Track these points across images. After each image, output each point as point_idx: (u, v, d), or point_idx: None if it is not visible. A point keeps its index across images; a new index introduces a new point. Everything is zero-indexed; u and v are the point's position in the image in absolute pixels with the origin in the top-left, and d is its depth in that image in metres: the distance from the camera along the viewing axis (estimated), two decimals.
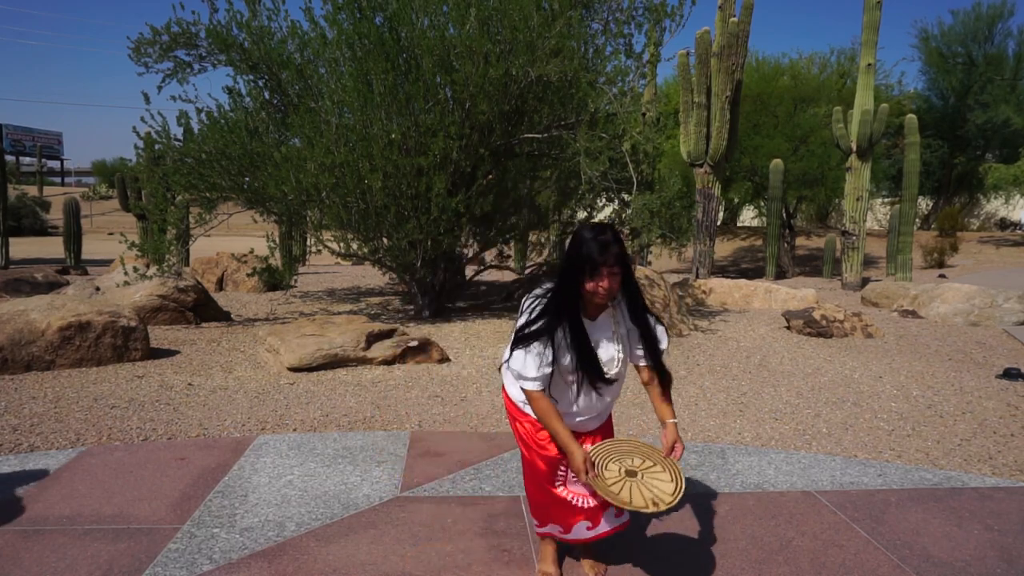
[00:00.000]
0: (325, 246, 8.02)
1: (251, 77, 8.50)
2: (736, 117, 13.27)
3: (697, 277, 12.91)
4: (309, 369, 5.60)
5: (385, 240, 7.85)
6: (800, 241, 21.83)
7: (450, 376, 5.54)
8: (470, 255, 9.16)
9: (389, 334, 6.04)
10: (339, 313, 8.42)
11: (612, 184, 8.00)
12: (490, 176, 7.98)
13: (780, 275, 17.29)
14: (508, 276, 12.38)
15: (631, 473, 2.24)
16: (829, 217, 26.84)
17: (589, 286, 2.19)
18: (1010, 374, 5.75)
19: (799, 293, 9.93)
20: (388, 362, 5.85)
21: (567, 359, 2.27)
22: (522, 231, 9.61)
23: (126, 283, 7.39)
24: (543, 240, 11.27)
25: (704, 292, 10.41)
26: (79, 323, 5.68)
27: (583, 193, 8.54)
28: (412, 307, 8.67)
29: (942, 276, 16.04)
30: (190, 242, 9.70)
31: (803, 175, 18.27)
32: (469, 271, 9.69)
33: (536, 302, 2.30)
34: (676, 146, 14.43)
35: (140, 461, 3.59)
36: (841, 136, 13.82)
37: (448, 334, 7.08)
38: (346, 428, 4.22)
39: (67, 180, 62.08)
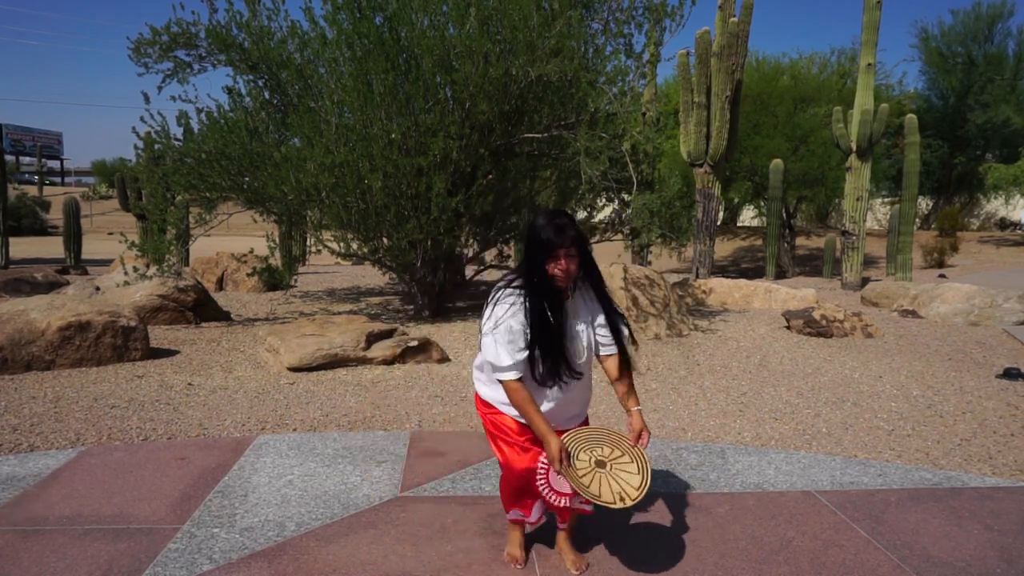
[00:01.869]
0: (325, 246, 8.01)
1: (251, 77, 8.49)
2: (736, 117, 13.26)
3: (697, 277, 12.91)
4: (309, 369, 5.60)
5: (385, 240, 7.85)
6: (800, 241, 21.83)
7: (450, 376, 5.54)
8: (470, 255, 9.16)
9: (389, 334, 6.04)
10: (339, 313, 8.42)
11: (612, 184, 8.00)
12: (490, 176, 7.97)
13: (780, 275, 17.29)
14: None
15: (600, 464, 2.28)
16: (829, 217, 26.84)
17: (549, 268, 2.24)
18: (1010, 374, 5.75)
19: (799, 293, 9.92)
20: (388, 362, 5.85)
21: (536, 345, 2.29)
22: (522, 231, 9.60)
23: (126, 283, 7.38)
24: None
25: (704, 292, 10.40)
26: (79, 323, 5.68)
27: (583, 193, 8.53)
28: (412, 307, 8.67)
29: (942, 276, 16.04)
30: (190, 242, 9.70)
31: (803, 175, 18.27)
32: (469, 271, 9.69)
33: (503, 293, 2.33)
34: (676, 146, 14.42)
35: (140, 461, 3.59)
36: (841, 136, 13.81)
37: (448, 334, 7.08)
38: (346, 428, 4.22)
39: (67, 180, 62.09)
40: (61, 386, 5.04)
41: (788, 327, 7.79)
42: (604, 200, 9.77)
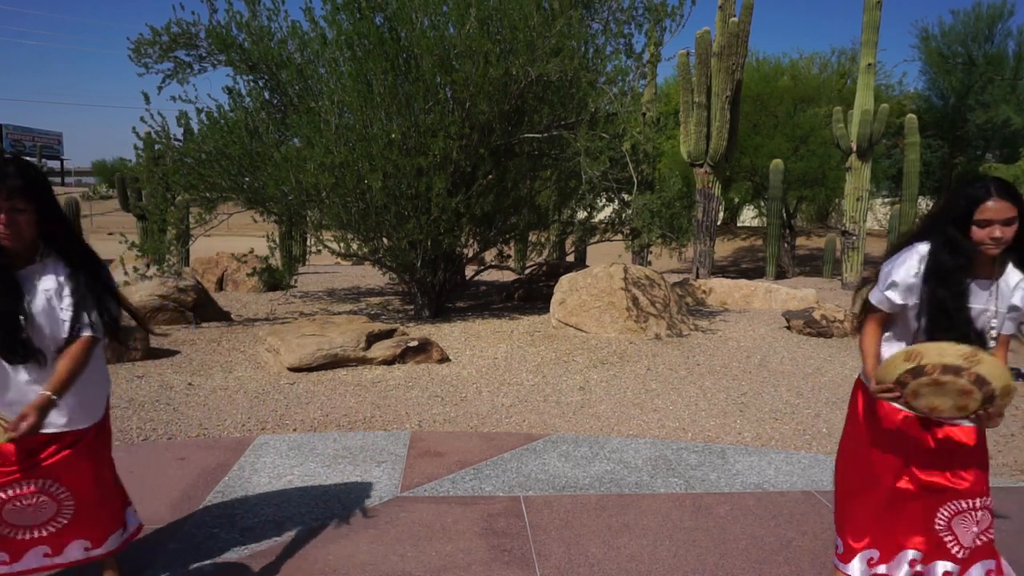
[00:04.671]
0: (325, 246, 8.02)
1: (251, 77, 8.50)
2: (736, 117, 13.27)
3: (697, 277, 12.91)
4: (309, 369, 5.60)
5: (385, 240, 7.85)
6: (800, 241, 21.83)
7: (450, 376, 5.54)
8: (470, 255, 9.16)
9: (389, 334, 6.04)
10: (339, 313, 8.41)
11: (612, 184, 8.00)
12: (490, 176, 7.98)
13: (780, 275, 17.28)
14: (508, 276, 12.38)
15: None
16: (829, 217, 26.83)
17: None
18: None
19: (799, 293, 9.92)
20: (388, 362, 5.85)
21: None
22: (522, 231, 9.60)
23: (126, 283, 7.38)
24: (543, 240, 11.27)
25: (704, 292, 10.40)
26: None
27: (583, 193, 8.54)
28: (412, 307, 8.67)
29: None
30: (190, 242, 9.70)
31: (803, 175, 18.27)
32: (469, 271, 9.69)
33: None
34: (676, 146, 14.42)
35: (140, 461, 3.59)
36: (841, 136, 13.81)
37: (448, 334, 7.08)
38: (346, 428, 4.22)
39: (67, 180, 62.11)
40: None
41: (788, 327, 7.79)
42: (604, 200, 9.78)
